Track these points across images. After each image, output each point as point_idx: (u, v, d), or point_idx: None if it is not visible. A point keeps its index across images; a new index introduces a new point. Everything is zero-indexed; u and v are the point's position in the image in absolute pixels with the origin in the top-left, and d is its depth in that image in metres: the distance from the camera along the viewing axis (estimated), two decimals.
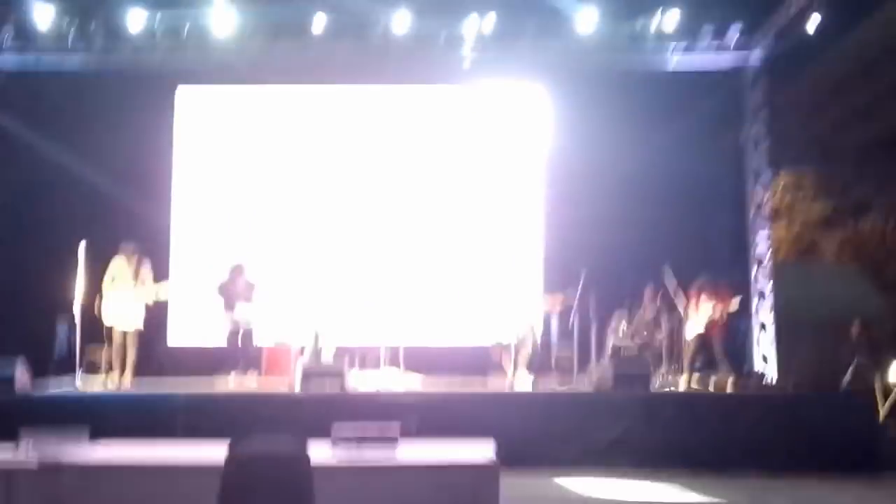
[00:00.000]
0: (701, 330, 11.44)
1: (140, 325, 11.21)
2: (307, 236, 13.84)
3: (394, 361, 11.58)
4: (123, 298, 11.10)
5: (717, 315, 11.34)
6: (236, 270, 11.88)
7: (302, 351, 11.54)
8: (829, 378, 11.94)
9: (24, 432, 5.57)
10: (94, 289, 11.26)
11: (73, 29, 13.15)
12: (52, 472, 5.38)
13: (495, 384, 11.73)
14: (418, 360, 11.87)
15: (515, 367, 11.59)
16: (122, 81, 13.54)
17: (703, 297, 11.51)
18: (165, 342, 13.46)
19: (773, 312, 13.32)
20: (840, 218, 15.87)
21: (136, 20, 13.00)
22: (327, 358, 11.29)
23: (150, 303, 11.27)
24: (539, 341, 12.03)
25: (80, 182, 13.33)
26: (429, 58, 13.77)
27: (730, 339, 11.95)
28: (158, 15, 13.05)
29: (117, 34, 13.36)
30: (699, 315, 11.47)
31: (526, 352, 11.75)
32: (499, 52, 13.69)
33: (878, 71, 14.87)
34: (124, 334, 11.15)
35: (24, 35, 13.17)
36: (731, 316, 11.58)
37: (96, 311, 11.10)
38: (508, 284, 12.14)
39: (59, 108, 13.44)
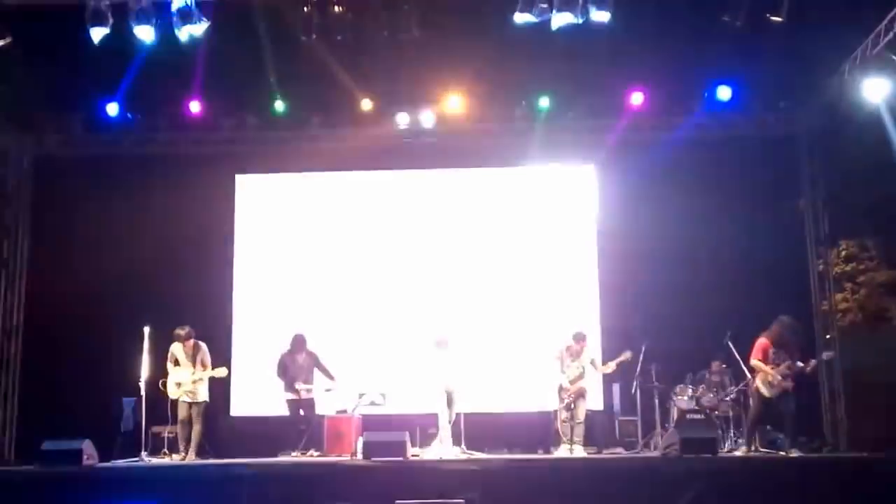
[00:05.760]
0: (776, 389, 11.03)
1: (205, 398, 11.49)
2: (366, 313, 14.03)
3: (455, 430, 11.51)
4: (186, 376, 11.42)
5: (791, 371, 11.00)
6: (297, 341, 12.12)
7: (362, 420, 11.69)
8: None
9: None
10: (159, 370, 11.56)
11: (137, 120, 13.77)
12: None
13: (557, 452, 11.64)
14: (478, 429, 11.81)
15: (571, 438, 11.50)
16: (185, 169, 14.10)
17: (773, 351, 11.12)
18: (229, 413, 13.63)
19: (841, 378, 13.08)
20: None
21: (195, 110, 13.57)
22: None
23: (206, 378, 11.66)
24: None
25: (146, 266, 13.70)
26: (481, 142, 14.10)
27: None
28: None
29: (179, 124, 13.93)
30: (775, 371, 11.01)
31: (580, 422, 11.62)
32: (549, 133, 13.96)
33: None
34: (189, 408, 11.39)
35: (92, 124, 13.80)
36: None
37: (161, 387, 11.37)
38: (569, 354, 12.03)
39: (125, 196, 13.96)
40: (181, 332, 11.66)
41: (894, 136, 12.08)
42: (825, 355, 11.78)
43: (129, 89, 12.89)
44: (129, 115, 13.73)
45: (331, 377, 12.19)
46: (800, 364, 10.92)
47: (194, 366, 11.59)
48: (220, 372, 11.75)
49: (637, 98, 13.46)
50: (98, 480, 9.75)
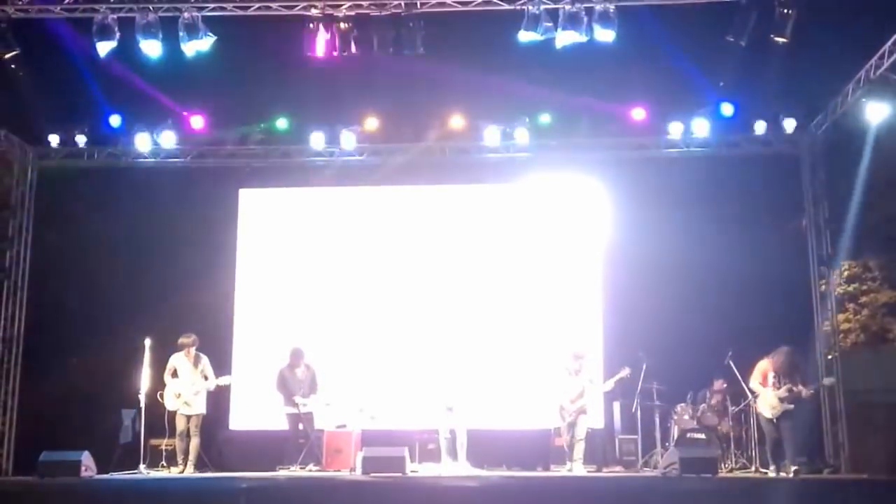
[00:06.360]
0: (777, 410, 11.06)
1: (203, 410, 11.47)
2: (368, 328, 13.99)
3: (455, 446, 11.49)
4: (186, 388, 11.40)
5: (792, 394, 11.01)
6: (296, 354, 12.11)
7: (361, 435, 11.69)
8: None
9: None
10: (159, 383, 11.57)
11: (140, 133, 13.79)
12: None
13: (557, 470, 11.60)
14: (478, 446, 11.78)
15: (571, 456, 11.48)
16: (188, 182, 14.09)
17: (774, 376, 11.16)
18: (227, 426, 13.60)
19: (842, 399, 13.01)
20: None
21: (198, 125, 13.61)
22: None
23: (212, 388, 11.68)
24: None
25: (148, 279, 13.73)
26: (484, 158, 14.10)
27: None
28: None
29: (183, 138, 13.97)
30: (775, 394, 11.07)
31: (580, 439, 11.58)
32: (554, 149, 13.99)
33: None
34: (187, 420, 11.37)
35: (95, 136, 13.83)
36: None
37: (159, 398, 11.37)
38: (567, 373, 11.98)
39: (127, 209, 14.00)
40: (186, 339, 11.65)
41: (866, 160, 12.13)
42: (826, 381, 11.74)
43: (133, 102, 12.94)
44: (132, 127, 13.77)
45: (320, 388, 12.19)
46: (800, 388, 10.91)
47: (196, 375, 11.58)
48: (225, 380, 11.80)
49: (639, 114, 13.48)
50: (96, 493, 9.75)
